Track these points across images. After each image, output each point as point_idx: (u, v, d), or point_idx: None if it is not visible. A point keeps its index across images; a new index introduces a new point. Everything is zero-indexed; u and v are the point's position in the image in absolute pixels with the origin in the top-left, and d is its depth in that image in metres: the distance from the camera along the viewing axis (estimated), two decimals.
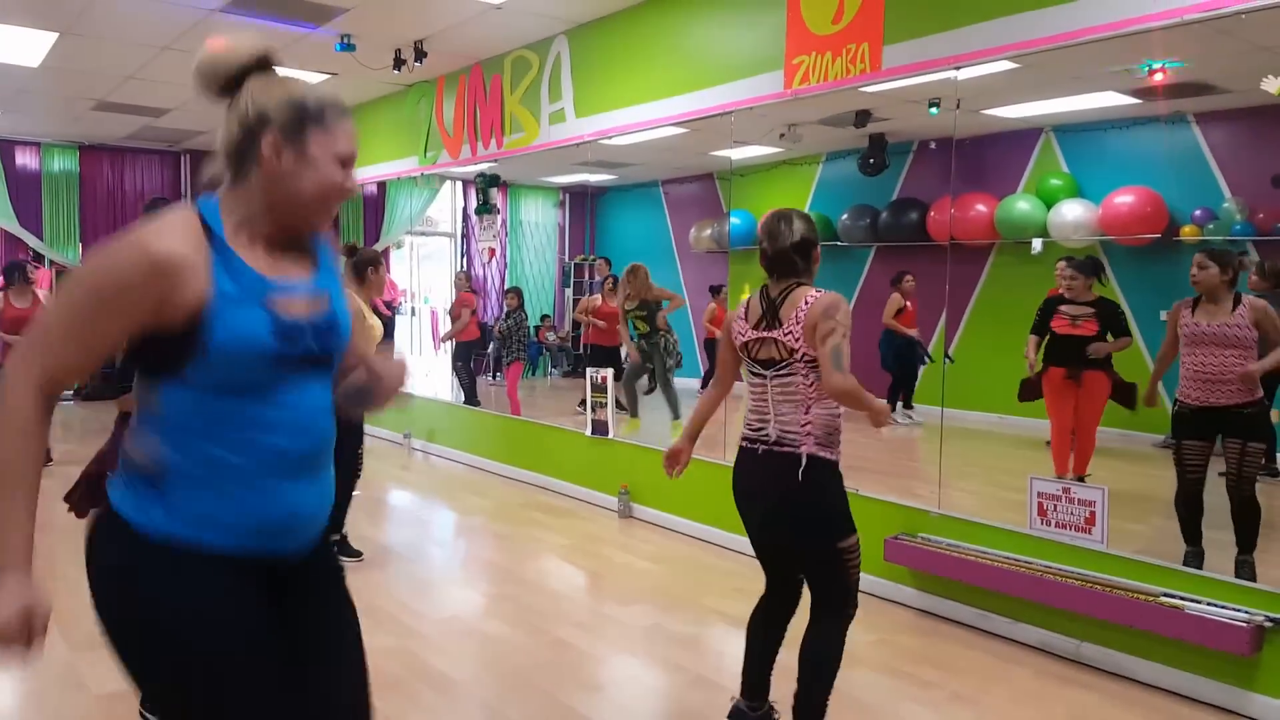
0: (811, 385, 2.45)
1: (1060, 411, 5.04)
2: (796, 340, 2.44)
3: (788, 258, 2.49)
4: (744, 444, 2.59)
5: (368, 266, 4.46)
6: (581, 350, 8.97)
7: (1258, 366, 3.78)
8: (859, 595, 2.61)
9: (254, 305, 1.35)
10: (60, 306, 1.30)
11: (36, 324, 1.31)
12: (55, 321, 1.30)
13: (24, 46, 6.48)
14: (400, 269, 11.12)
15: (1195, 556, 3.87)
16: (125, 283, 1.27)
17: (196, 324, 1.30)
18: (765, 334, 2.51)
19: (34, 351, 1.28)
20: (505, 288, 10.49)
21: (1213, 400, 3.86)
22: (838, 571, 2.51)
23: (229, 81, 1.39)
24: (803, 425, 2.45)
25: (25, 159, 10.39)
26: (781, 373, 2.48)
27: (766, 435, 2.50)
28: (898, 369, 7.59)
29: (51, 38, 6.28)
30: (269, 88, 1.39)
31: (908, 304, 7.56)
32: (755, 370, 2.56)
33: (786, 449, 2.46)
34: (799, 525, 2.48)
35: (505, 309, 8.17)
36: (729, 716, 2.75)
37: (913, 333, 7.48)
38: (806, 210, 8.57)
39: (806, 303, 2.44)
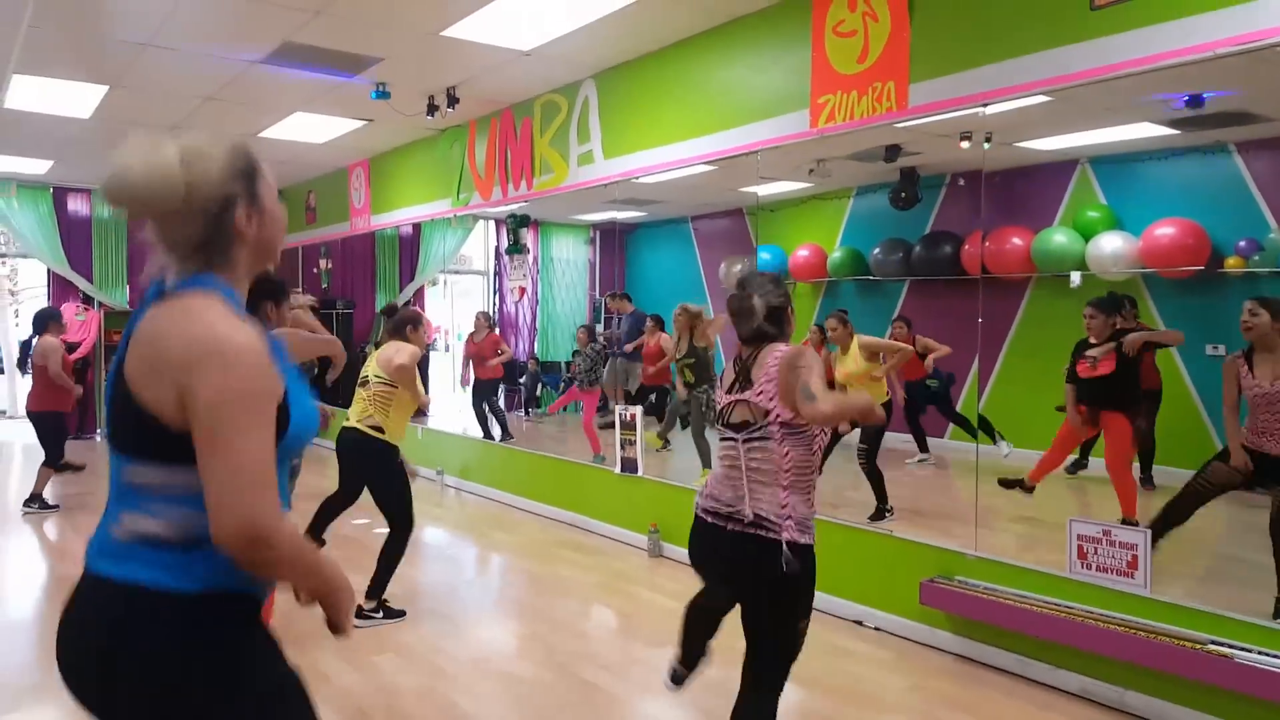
0: (787, 455, 2.35)
1: (1068, 430, 5.10)
2: (770, 400, 2.37)
3: (759, 331, 2.48)
4: (709, 517, 2.47)
5: (406, 325, 4.37)
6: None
7: None
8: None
9: (299, 384, 1.39)
10: (243, 444, 1.25)
11: (234, 466, 1.24)
12: (250, 460, 1.25)
13: (77, 99, 6.75)
14: (435, 306, 11.26)
15: (1160, 530, 3.76)
16: (269, 391, 1.30)
17: (280, 405, 1.34)
18: (738, 396, 2.46)
19: (263, 494, 1.26)
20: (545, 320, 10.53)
21: (1271, 449, 3.79)
22: (788, 648, 2.41)
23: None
24: (781, 508, 2.34)
25: (76, 205, 10.77)
26: (755, 437, 2.39)
27: (741, 514, 2.38)
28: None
29: (102, 90, 6.53)
30: (208, 171, 1.34)
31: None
32: (727, 436, 2.48)
33: (765, 534, 2.34)
34: (768, 607, 2.40)
35: (575, 346, 8.13)
36: (669, 676, 2.96)
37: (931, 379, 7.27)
38: (837, 245, 8.65)
39: (774, 359, 2.40)
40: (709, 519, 2.47)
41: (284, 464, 1.38)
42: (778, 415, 2.36)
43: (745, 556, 2.37)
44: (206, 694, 1.31)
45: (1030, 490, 5.10)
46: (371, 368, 4.33)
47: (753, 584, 2.39)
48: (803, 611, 2.40)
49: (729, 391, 2.50)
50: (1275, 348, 3.82)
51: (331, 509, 4.59)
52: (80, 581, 1.39)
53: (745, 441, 2.41)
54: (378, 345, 4.47)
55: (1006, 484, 5.19)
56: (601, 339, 8.08)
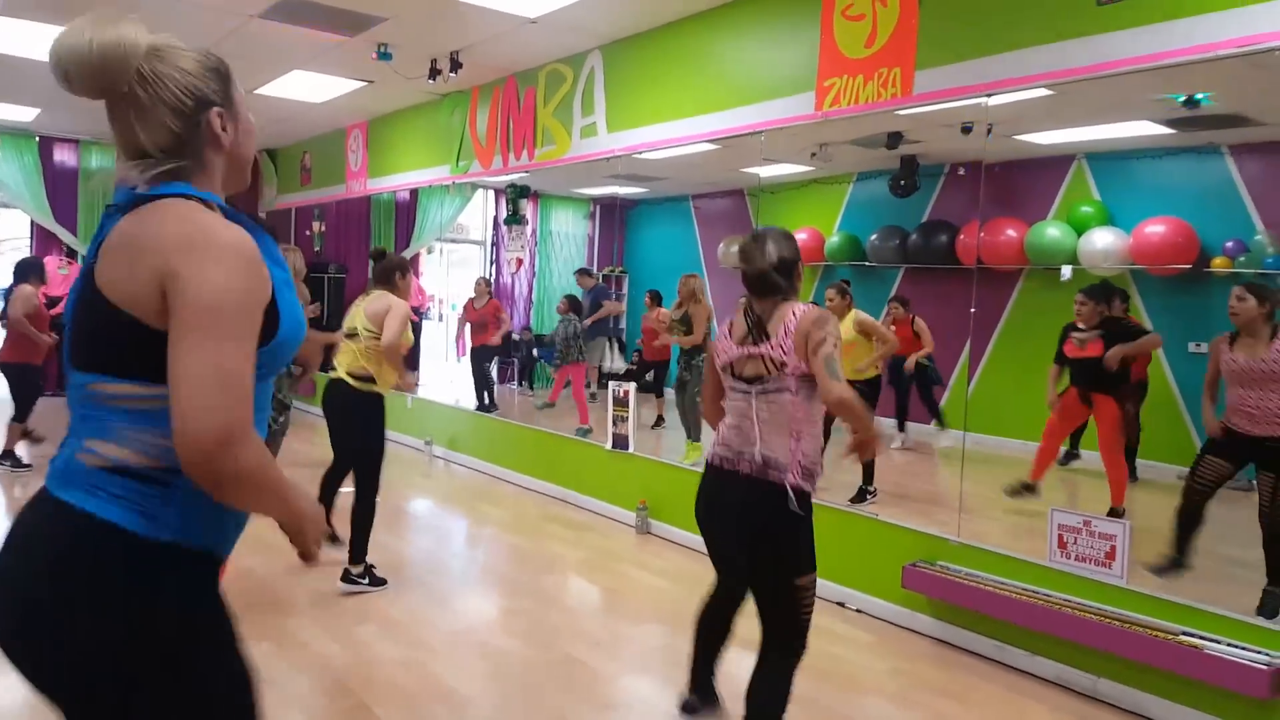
0: (801, 402, 2.41)
1: (1058, 422, 5.15)
2: (786, 354, 2.42)
3: (767, 278, 2.50)
4: (719, 461, 2.53)
5: (394, 272, 4.30)
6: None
7: None
8: (807, 635, 2.57)
9: (289, 288, 1.33)
10: (223, 345, 1.15)
11: (210, 365, 1.14)
12: (229, 363, 1.16)
13: None
14: (431, 275, 11.21)
15: (1173, 565, 3.88)
16: (257, 295, 1.22)
17: (268, 309, 1.26)
18: (752, 350, 2.49)
19: (238, 401, 1.15)
20: (541, 293, 10.56)
21: (1253, 431, 3.87)
22: (793, 608, 2.46)
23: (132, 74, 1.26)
24: (791, 453, 2.41)
25: (63, 156, 10.57)
26: (770, 389, 2.45)
27: (751, 457, 2.45)
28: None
29: None
30: (180, 65, 1.28)
31: (892, 326, 7.39)
32: (739, 388, 2.53)
33: (772, 477, 2.41)
34: (765, 556, 2.44)
35: (559, 316, 8.17)
36: (680, 709, 2.92)
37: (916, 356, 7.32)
38: (835, 229, 8.67)
39: (794, 315, 2.44)
40: (721, 464, 2.52)
41: (269, 373, 1.31)
42: (794, 369, 2.41)
43: (753, 496, 2.43)
44: (146, 661, 1.21)
45: (1035, 490, 5.13)
46: (359, 319, 4.22)
47: (758, 526, 2.43)
48: (805, 565, 2.44)
49: (740, 344, 2.52)
50: (1259, 334, 3.90)
51: (332, 483, 4.53)
52: (33, 503, 1.27)
53: (759, 395, 2.47)
54: (365, 293, 4.38)
55: (1014, 493, 5.21)
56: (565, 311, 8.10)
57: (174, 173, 1.27)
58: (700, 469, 2.68)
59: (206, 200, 1.27)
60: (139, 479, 1.22)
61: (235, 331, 1.17)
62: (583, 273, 9.25)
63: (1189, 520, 3.98)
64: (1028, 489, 5.22)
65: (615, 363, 8.61)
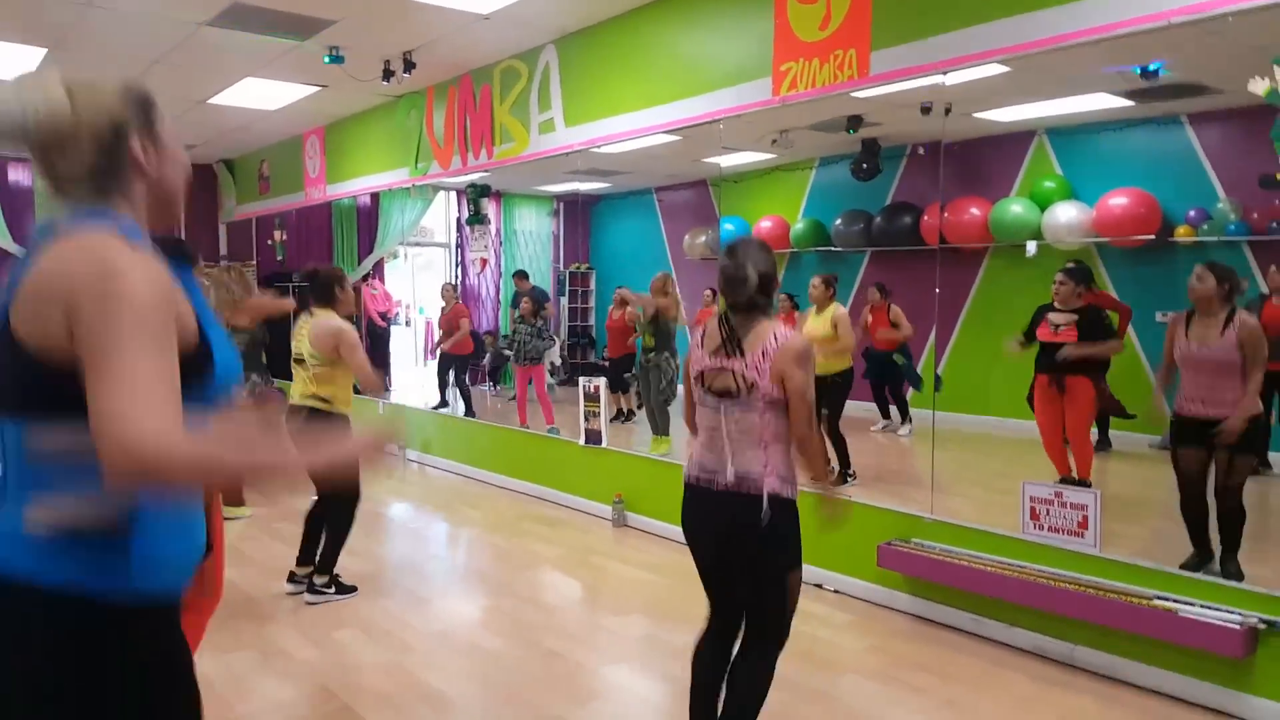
0: (768, 423, 2.38)
1: (1046, 417, 5.06)
2: (760, 376, 2.37)
3: (750, 299, 2.43)
4: (696, 481, 2.49)
5: (333, 286, 4.16)
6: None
7: (1238, 420, 3.76)
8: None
9: (214, 322, 1.29)
10: (133, 362, 1.11)
11: (119, 386, 1.10)
12: (142, 378, 1.10)
13: (13, 62, 6.47)
14: (396, 279, 11.10)
15: (1197, 559, 3.87)
16: (165, 314, 1.16)
17: (198, 345, 1.23)
18: (724, 363, 2.43)
19: (152, 411, 1.09)
20: (510, 294, 10.50)
21: (1207, 413, 3.89)
22: (782, 601, 2.46)
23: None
24: (764, 464, 2.38)
25: (18, 175, 10.36)
26: (739, 407, 2.40)
27: (724, 476, 2.41)
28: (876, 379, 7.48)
29: (40, 53, 6.28)
30: (98, 99, 1.25)
31: (869, 315, 7.34)
32: (709, 401, 2.47)
33: (748, 490, 2.38)
34: (758, 557, 2.42)
35: (519, 315, 8.10)
36: None
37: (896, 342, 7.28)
38: (799, 216, 8.68)
39: (775, 339, 2.38)
40: (698, 483, 2.49)
41: (206, 409, 1.26)
42: (765, 393, 2.37)
43: (733, 511, 2.41)
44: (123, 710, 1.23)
45: (1087, 483, 4.90)
46: (305, 346, 4.11)
47: (742, 538, 2.42)
48: (792, 562, 2.44)
49: (713, 355, 2.47)
50: (1215, 313, 3.91)
51: (319, 523, 4.30)
52: None
53: (728, 411, 2.43)
54: (310, 313, 4.23)
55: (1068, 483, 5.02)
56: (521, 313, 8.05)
57: (95, 199, 1.25)
58: (668, 459, 2.64)
59: (125, 233, 1.24)
60: (96, 539, 1.18)
61: (142, 351, 1.12)
62: (519, 275, 9.32)
63: (1194, 511, 3.95)
64: (1073, 481, 5.09)
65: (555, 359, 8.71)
